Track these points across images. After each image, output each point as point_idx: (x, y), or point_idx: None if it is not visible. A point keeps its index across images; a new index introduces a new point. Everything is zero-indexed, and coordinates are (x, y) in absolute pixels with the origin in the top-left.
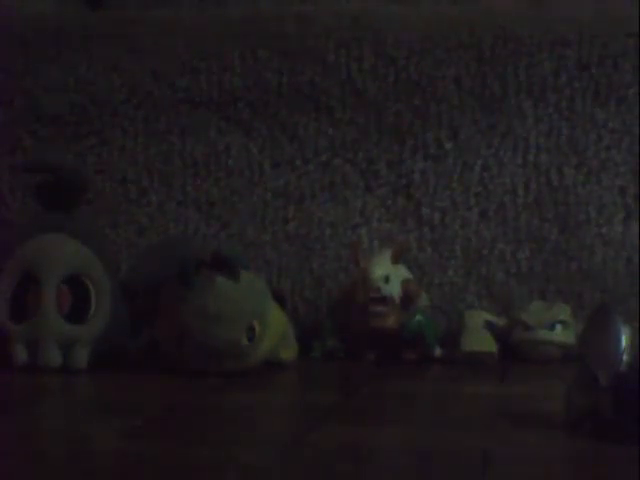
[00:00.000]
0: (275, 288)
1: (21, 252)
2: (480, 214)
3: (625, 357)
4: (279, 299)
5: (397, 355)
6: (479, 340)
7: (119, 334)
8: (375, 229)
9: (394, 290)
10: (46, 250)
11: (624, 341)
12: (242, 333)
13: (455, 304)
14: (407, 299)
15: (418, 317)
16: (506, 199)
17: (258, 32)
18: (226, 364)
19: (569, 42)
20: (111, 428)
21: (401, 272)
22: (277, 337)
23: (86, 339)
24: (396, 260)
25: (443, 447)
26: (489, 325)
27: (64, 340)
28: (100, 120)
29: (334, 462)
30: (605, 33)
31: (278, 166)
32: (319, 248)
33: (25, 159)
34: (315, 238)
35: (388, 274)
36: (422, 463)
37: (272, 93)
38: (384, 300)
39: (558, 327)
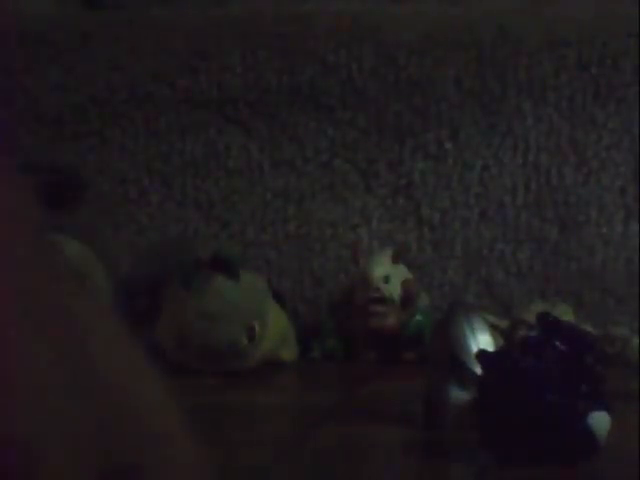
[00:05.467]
0: (275, 288)
1: None
2: (480, 214)
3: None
4: (279, 299)
5: (397, 355)
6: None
7: None
8: (375, 229)
9: (394, 290)
10: None
11: (472, 339)
12: (242, 333)
13: None
14: (407, 299)
15: (418, 317)
16: (506, 199)
17: (258, 32)
18: (226, 364)
19: (569, 42)
20: None
21: (401, 272)
22: (277, 337)
23: None
24: (396, 260)
25: (443, 447)
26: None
27: None
28: (100, 120)
29: (334, 462)
30: (605, 33)
31: (278, 166)
32: (319, 248)
33: (25, 159)
34: (315, 238)
35: (388, 274)
36: (422, 463)
37: (272, 93)
38: (384, 300)
39: None
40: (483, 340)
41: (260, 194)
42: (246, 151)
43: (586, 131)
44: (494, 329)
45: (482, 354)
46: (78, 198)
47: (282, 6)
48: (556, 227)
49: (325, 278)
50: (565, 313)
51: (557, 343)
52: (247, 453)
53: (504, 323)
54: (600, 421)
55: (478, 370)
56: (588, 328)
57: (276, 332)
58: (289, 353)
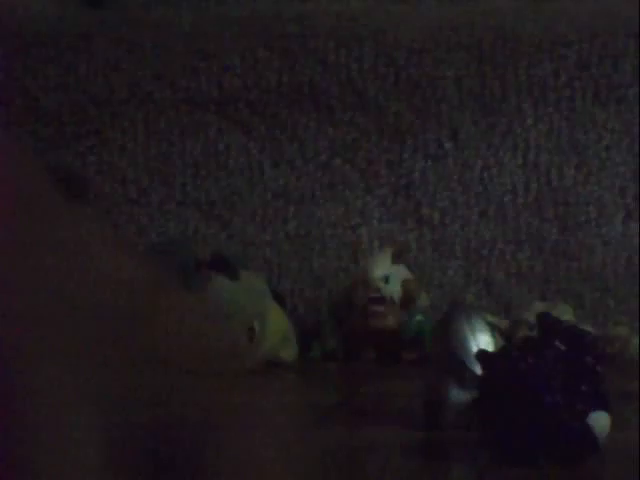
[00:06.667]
0: (275, 288)
1: None
2: (480, 214)
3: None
4: (279, 299)
5: (397, 355)
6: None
7: None
8: (375, 229)
9: (394, 290)
10: None
11: (472, 339)
12: (242, 333)
13: None
14: (407, 299)
15: (418, 317)
16: (506, 199)
17: (258, 32)
18: (226, 364)
19: (569, 42)
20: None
21: (401, 272)
22: (277, 337)
23: None
24: (396, 260)
25: (443, 447)
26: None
27: None
28: (100, 120)
29: (334, 462)
30: (605, 33)
31: (278, 166)
32: (319, 248)
33: None
34: (315, 238)
35: (388, 274)
36: (422, 463)
37: (272, 93)
38: (384, 300)
39: None
40: (483, 340)
41: (260, 194)
42: (246, 151)
43: (586, 131)
44: (494, 329)
45: (482, 354)
46: (78, 199)
47: (282, 6)
48: (556, 227)
49: (325, 278)
50: (565, 313)
51: (557, 343)
52: (247, 453)
53: (504, 323)
54: (600, 421)
55: (478, 370)
56: (588, 328)
57: (276, 332)
58: (289, 353)
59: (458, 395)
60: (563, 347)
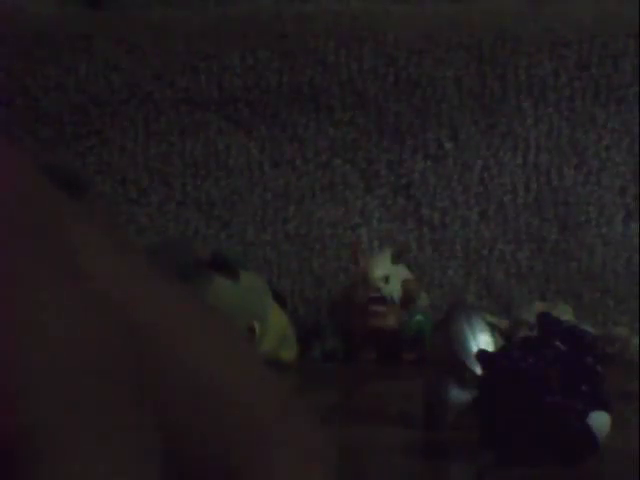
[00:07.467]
0: (275, 288)
1: None
2: (480, 214)
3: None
4: (279, 299)
5: (397, 355)
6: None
7: None
8: (375, 229)
9: (394, 290)
10: None
11: (472, 339)
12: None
13: None
14: (407, 299)
15: (418, 317)
16: (506, 199)
17: (258, 32)
18: None
19: (569, 42)
20: None
21: (401, 272)
22: (277, 337)
23: None
24: (396, 260)
25: (443, 447)
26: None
27: None
28: (100, 120)
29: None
30: (605, 33)
31: (278, 166)
32: (319, 248)
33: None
34: (315, 238)
35: (388, 274)
36: (422, 463)
37: (272, 93)
38: (384, 300)
39: None
40: (483, 340)
41: (260, 194)
42: (246, 151)
43: (586, 131)
44: (494, 329)
45: (482, 354)
46: (78, 198)
47: (282, 6)
48: (556, 227)
49: (325, 278)
50: (565, 313)
51: (557, 343)
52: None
53: (504, 323)
54: (600, 421)
55: (478, 370)
56: (588, 328)
57: (276, 332)
58: (289, 353)
59: (458, 395)
60: (563, 347)
